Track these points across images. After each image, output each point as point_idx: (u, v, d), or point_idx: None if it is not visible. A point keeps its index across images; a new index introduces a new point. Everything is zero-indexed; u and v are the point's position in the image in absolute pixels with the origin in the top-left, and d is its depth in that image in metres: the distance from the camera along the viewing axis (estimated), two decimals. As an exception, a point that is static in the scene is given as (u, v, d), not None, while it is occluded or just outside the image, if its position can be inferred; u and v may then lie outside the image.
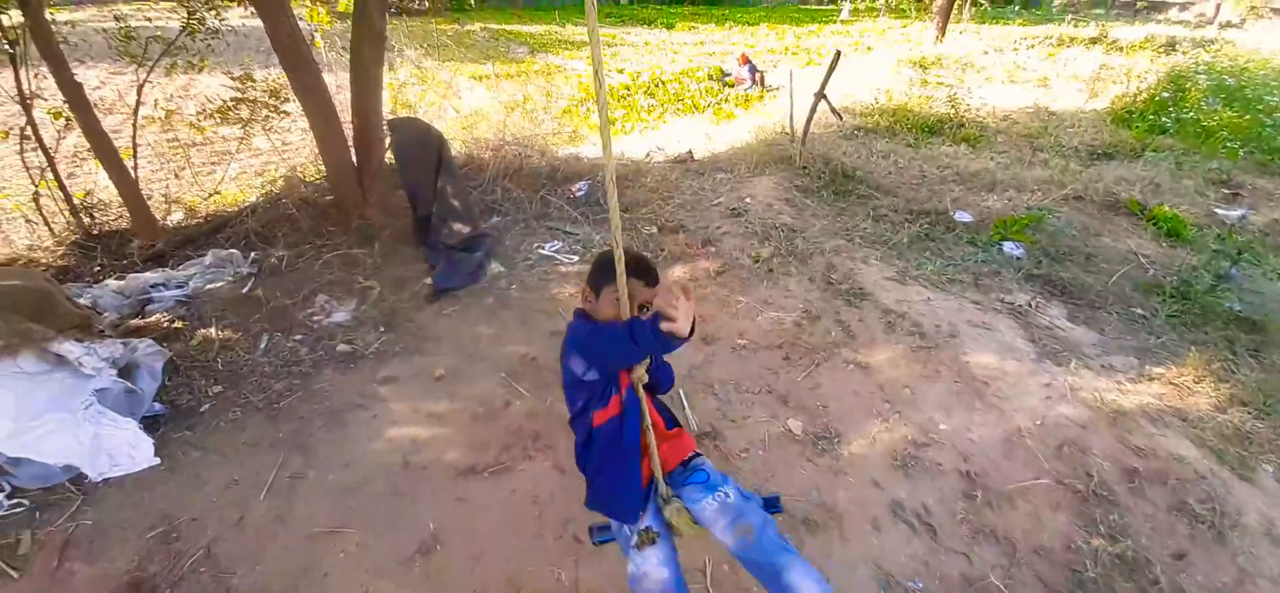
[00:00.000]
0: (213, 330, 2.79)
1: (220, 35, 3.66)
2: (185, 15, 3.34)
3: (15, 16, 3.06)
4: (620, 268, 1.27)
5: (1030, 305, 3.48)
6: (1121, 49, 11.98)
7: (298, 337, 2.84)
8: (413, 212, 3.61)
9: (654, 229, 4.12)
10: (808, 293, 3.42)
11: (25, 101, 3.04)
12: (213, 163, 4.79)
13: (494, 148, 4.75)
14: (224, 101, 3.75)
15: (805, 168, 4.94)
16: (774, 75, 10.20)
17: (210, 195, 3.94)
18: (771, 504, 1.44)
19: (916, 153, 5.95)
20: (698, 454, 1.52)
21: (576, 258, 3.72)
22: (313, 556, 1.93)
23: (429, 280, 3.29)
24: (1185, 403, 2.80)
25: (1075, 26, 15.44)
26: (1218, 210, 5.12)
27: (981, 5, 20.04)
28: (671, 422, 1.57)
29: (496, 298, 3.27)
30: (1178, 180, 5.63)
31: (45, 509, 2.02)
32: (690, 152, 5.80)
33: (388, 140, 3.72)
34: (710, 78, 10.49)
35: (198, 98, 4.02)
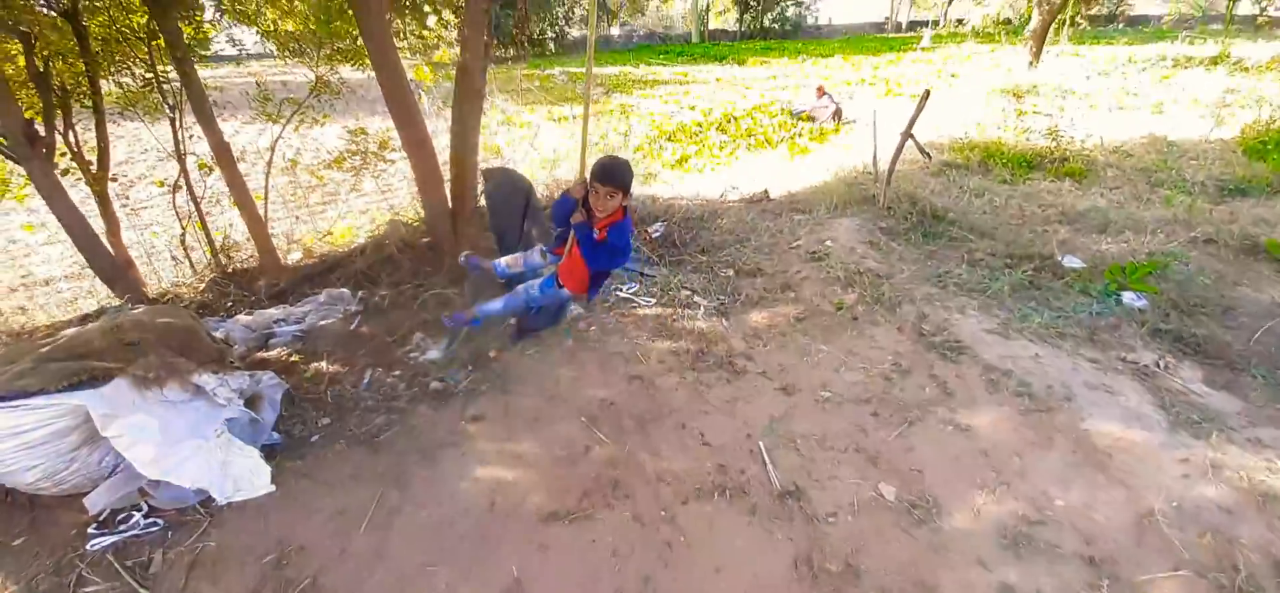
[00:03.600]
0: (324, 364, 3.04)
1: (340, 95, 4.08)
2: (313, 78, 3.75)
3: (174, 77, 3.55)
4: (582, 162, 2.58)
5: (1159, 365, 3.11)
6: (1247, 69, 10.76)
7: (396, 373, 3.03)
8: (499, 253, 3.79)
9: (731, 272, 4.08)
10: (897, 344, 3.25)
11: (181, 156, 3.52)
12: (325, 203, 5.29)
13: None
14: (341, 152, 4.15)
15: (890, 209, 4.75)
16: (850, 108, 9.96)
17: (324, 235, 4.35)
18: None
19: (1013, 190, 5.56)
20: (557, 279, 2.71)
21: (653, 301, 3.74)
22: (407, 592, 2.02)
23: (513, 322, 3.42)
24: (1352, 485, 2.39)
25: (1191, 44, 14.03)
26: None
27: (1080, 25, 18.71)
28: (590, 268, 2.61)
29: (576, 341, 3.34)
30: (1327, 220, 4.90)
31: (176, 530, 2.22)
32: (765, 191, 5.75)
33: (480, 187, 3.95)
34: (784, 113, 10.42)
35: (317, 147, 4.49)
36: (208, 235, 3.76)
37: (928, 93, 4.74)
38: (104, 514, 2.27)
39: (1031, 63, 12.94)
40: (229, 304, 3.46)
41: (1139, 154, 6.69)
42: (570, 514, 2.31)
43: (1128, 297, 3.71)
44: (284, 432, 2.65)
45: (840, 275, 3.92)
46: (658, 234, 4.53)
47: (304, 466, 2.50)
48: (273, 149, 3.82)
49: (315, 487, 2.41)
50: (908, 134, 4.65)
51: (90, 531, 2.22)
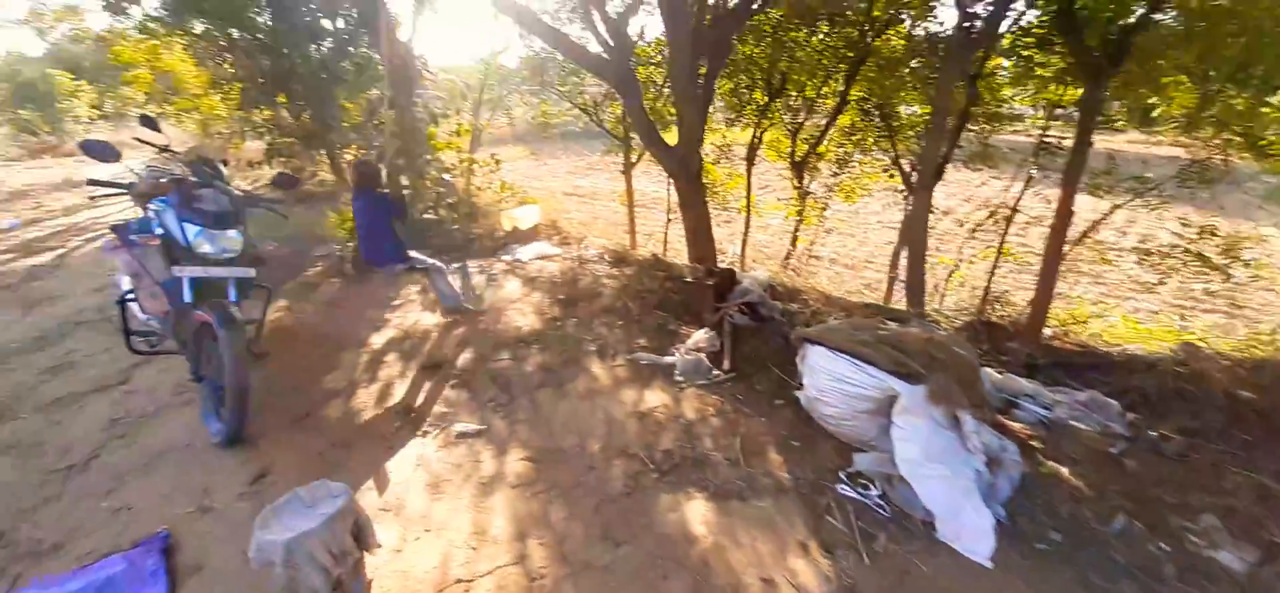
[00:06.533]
0: (1065, 471, 2.69)
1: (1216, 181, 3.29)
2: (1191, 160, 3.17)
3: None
4: None
5: None
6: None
7: (1163, 544, 2.33)
8: None
9: None
10: None
11: (1012, 208, 3.85)
12: (1122, 296, 4.69)
13: None
14: (1169, 245, 3.44)
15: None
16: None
17: (1083, 321, 3.85)
18: None
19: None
20: None
21: None
22: None
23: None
24: None
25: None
26: None
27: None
28: None
29: None
30: None
31: (900, 525, 2.44)
32: None
33: None
34: None
35: (1123, 228, 3.97)
36: (988, 284, 4.00)
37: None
38: (844, 473, 2.81)
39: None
40: (980, 352, 3.59)
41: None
42: None
43: None
44: (1010, 513, 2.51)
45: None
46: None
47: (1021, 562, 2.29)
48: (1098, 222, 3.55)
49: (1026, 590, 2.16)
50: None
51: (840, 474, 2.81)
